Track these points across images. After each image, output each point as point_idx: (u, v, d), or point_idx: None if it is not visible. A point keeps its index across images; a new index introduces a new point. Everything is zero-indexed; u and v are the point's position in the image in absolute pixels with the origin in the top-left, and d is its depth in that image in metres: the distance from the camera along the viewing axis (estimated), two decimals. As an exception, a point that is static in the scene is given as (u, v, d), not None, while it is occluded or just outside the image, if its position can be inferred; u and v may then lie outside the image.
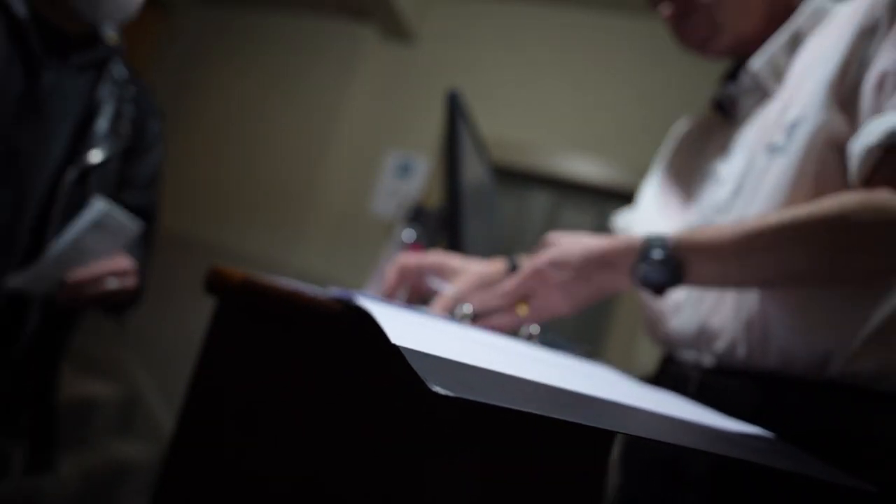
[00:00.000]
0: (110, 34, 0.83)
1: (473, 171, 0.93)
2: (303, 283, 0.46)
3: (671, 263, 0.49)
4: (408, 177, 2.37)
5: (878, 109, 0.50)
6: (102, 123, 0.80)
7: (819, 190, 0.53)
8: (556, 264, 0.51)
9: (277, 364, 0.38)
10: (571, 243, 0.52)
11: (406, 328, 0.28)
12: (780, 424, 0.46)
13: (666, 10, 0.66)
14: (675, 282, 0.49)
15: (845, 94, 0.52)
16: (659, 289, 0.50)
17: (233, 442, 0.38)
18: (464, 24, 2.45)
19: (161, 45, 2.72)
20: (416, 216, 0.85)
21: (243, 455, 0.37)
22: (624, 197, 2.22)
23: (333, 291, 0.40)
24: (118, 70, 0.84)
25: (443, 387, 0.19)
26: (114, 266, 0.76)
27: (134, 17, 0.79)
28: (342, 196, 2.44)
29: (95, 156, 0.78)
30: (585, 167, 2.22)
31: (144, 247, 0.92)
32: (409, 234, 0.82)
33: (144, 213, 0.91)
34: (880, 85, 0.50)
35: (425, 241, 0.85)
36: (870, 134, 0.49)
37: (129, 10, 0.77)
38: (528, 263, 0.53)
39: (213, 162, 2.55)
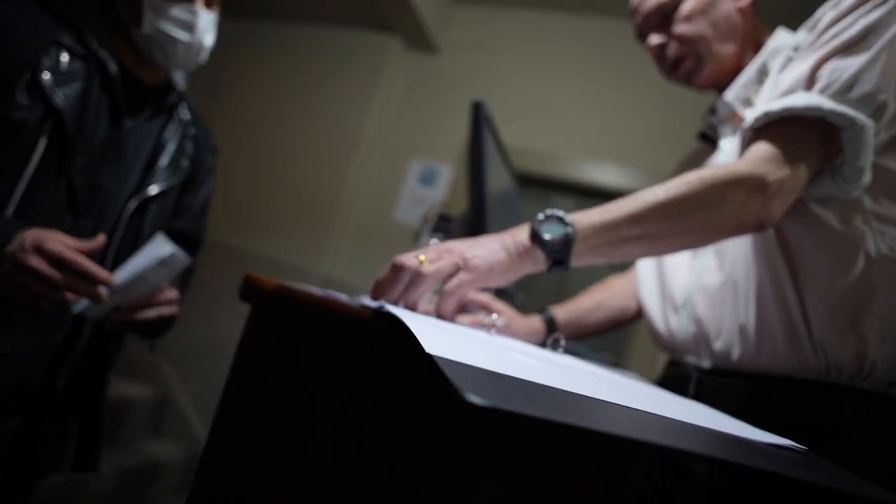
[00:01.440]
0: (180, 82, 0.92)
1: (497, 179, 0.94)
2: (334, 292, 0.48)
3: (563, 223, 0.52)
4: (432, 185, 2.38)
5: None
6: (164, 160, 0.88)
7: None
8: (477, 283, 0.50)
9: (309, 368, 0.40)
10: (480, 254, 0.51)
11: (438, 337, 0.29)
12: (769, 420, 0.49)
13: (654, 40, 0.73)
14: (567, 242, 0.52)
15: None
16: (554, 247, 0.51)
17: (265, 443, 0.39)
18: (486, 34, 2.46)
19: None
20: (441, 224, 0.86)
21: (275, 455, 0.38)
22: (649, 203, 2.19)
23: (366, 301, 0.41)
24: (184, 112, 0.93)
25: (478, 396, 0.20)
26: (163, 297, 0.82)
27: (201, 66, 0.88)
28: (367, 204, 2.47)
29: (154, 189, 0.86)
30: (608, 174, 2.20)
31: (187, 273, 0.98)
32: (434, 242, 0.83)
33: (193, 239, 0.98)
34: (772, 91, 0.60)
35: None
36: (746, 120, 0.58)
37: (196, 61, 0.86)
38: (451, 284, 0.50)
39: (239, 170, 2.62)
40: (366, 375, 0.38)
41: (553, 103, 2.32)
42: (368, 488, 0.35)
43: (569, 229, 0.52)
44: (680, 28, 0.70)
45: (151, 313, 0.80)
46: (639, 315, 0.87)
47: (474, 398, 0.20)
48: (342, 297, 0.43)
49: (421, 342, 0.25)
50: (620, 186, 2.19)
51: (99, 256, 0.80)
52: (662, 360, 0.74)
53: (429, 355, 0.24)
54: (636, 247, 0.53)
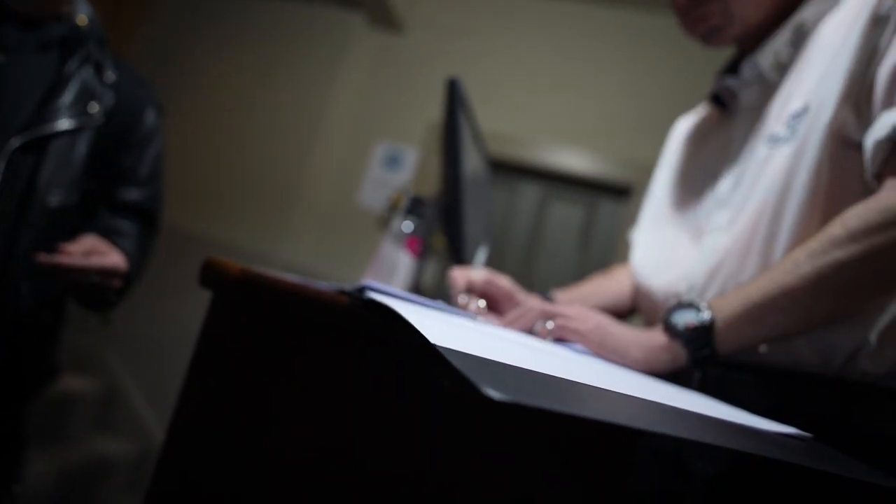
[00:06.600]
0: (80, 16, 0.79)
1: (471, 161, 0.91)
2: (302, 277, 0.44)
3: (697, 308, 0.50)
4: (396, 168, 2.33)
5: (890, 103, 0.49)
6: (66, 98, 0.76)
7: (821, 180, 0.53)
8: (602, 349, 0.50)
9: (276, 358, 0.36)
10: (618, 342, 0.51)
11: (434, 325, 0.27)
12: (784, 419, 0.46)
13: None
14: (705, 328, 0.49)
15: (854, 88, 0.52)
16: (690, 336, 0.49)
17: (231, 437, 0.36)
18: (453, 14, 2.42)
19: (140, 29, 2.62)
20: (414, 207, 0.83)
21: (239, 450, 0.35)
22: (612, 190, 2.23)
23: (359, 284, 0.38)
24: (94, 53, 0.80)
25: (496, 390, 0.18)
26: (105, 263, 0.73)
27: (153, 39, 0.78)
28: (329, 187, 2.40)
29: (51, 127, 0.74)
30: (575, 160, 2.22)
31: (143, 244, 0.88)
32: (407, 226, 0.80)
33: (146, 211, 0.88)
34: (893, 78, 0.49)
35: (423, 233, 0.83)
36: (881, 128, 0.49)
37: None
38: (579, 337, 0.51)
39: (195, 150, 2.48)
40: (341, 362, 0.35)
41: (521, 87, 2.31)
42: (346, 482, 0.33)
43: (704, 314, 0.49)
44: None
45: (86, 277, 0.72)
46: None
47: (493, 393, 0.18)
48: (323, 284, 0.39)
49: (424, 334, 0.23)
50: (588, 172, 2.21)
51: None
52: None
53: (432, 346, 0.21)
54: (793, 324, 0.49)
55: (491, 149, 2.19)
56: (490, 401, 0.18)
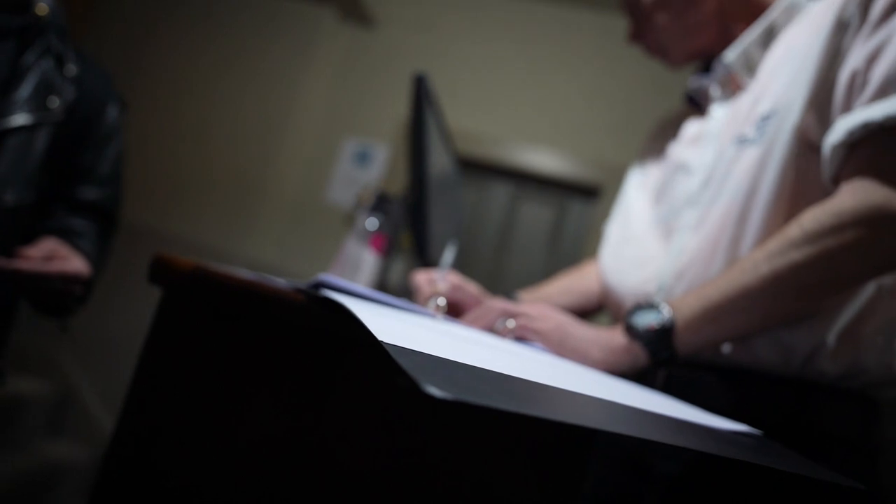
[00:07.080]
0: (40, 4, 0.75)
1: (439, 159, 0.91)
2: (258, 274, 0.43)
3: (657, 309, 0.50)
4: (366, 165, 2.31)
5: (847, 108, 0.51)
6: (24, 92, 0.72)
7: (787, 182, 0.54)
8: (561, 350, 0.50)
9: (229, 359, 0.35)
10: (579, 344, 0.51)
11: (387, 323, 0.26)
12: (744, 418, 0.47)
13: (629, 25, 0.70)
14: (665, 330, 0.49)
15: (818, 93, 0.53)
16: (650, 337, 0.50)
17: (177, 441, 0.34)
18: (425, 10, 2.40)
19: (99, 16, 2.51)
20: (380, 204, 0.82)
21: (188, 455, 0.34)
22: (582, 190, 2.26)
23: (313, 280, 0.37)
24: (55, 44, 0.77)
25: (437, 388, 0.17)
26: (66, 269, 0.70)
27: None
28: (297, 183, 2.36)
29: (4, 123, 0.71)
30: (545, 160, 2.24)
31: (102, 246, 0.84)
32: (372, 223, 0.79)
33: (104, 209, 0.84)
34: (851, 83, 0.51)
35: (388, 230, 0.82)
36: (838, 132, 0.50)
37: None
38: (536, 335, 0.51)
39: (158, 144, 2.39)
40: (296, 363, 0.34)
41: (493, 85, 2.31)
42: (297, 479, 0.32)
43: (664, 316, 0.49)
44: (645, 21, 0.67)
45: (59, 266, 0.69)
46: None
47: (433, 390, 0.17)
48: (280, 281, 0.38)
49: (372, 331, 0.22)
50: (558, 172, 2.23)
51: None
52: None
53: (379, 343, 0.21)
54: (751, 324, 0.50)
55: (461, 147, 2.19)
56: (433, 399, 0.18)
